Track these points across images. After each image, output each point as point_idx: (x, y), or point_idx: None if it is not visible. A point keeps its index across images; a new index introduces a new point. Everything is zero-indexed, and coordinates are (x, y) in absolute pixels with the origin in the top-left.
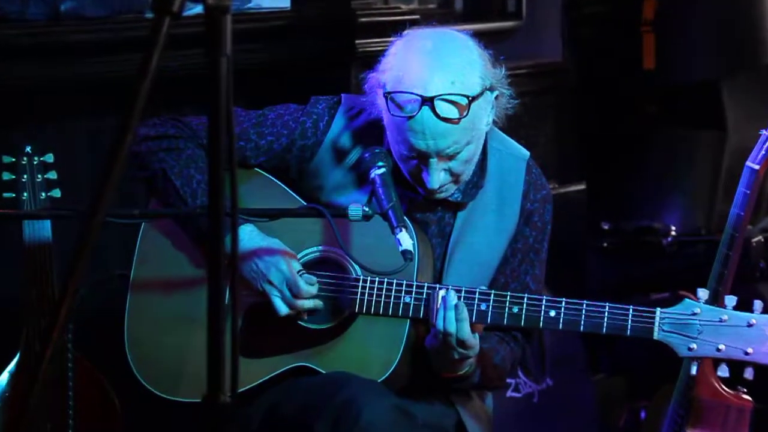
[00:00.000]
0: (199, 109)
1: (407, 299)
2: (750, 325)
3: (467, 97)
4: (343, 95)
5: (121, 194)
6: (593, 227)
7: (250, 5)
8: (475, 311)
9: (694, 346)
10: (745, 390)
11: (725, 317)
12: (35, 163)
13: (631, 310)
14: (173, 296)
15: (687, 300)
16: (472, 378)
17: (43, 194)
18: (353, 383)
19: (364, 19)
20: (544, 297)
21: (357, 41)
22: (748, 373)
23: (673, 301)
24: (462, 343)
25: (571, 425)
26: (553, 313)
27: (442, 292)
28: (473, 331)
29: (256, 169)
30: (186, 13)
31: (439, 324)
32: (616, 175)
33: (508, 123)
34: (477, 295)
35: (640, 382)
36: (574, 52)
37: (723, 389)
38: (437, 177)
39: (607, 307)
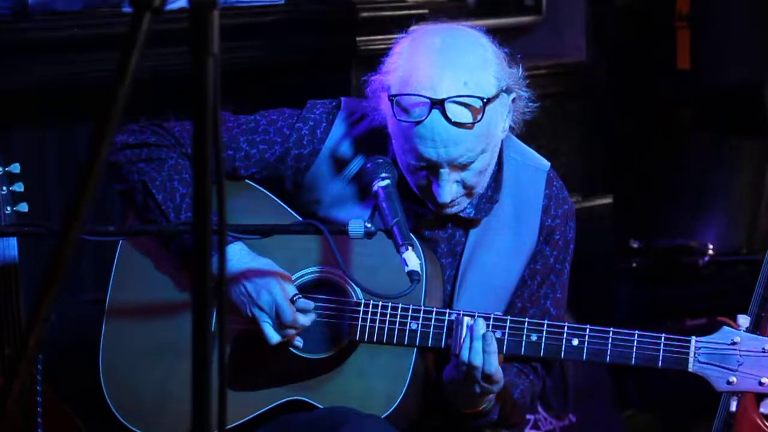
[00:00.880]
0: (184, 114)
1: (413, 326)
2: None
3: (481, 99)
4: (342, 99)
5: (96, 209)
6: (621, 246)
7: None
8: None
9: (734, 379)
10: None
11: None
12: (0, 173)
13: (663, 339)
14: (153, 323)
15: (725, 327)
16: (491, 415)
17: (9, 208)
18: (354, 419)
19: (366, 14)
20: (566, 324)
21: (358, 39)
22: None
23: (710, 329)
24: (488, 378)
25: None
26: (576, 342)
27: (468, 320)
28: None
29: (246, 180)
30: (168, 8)
31: (464, 355)
32: (646, 187)
33: (527, 129)
34: (491, 322)
35: (673, 419)
36: (599, 51)
37: (767, 427)
38: (449, 190)
39: (636, 336)
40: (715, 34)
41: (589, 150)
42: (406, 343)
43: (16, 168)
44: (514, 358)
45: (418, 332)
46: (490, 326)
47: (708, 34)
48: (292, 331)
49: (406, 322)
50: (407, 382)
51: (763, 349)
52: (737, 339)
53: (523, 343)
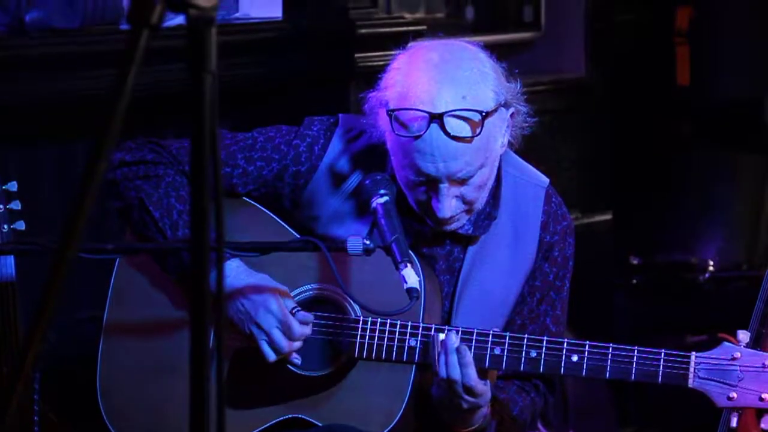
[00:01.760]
0: (181, 131)
1: (412, 342)
2: None
3: (480, 112)
4: (340, 115)
5: (93, 227)
6: (621, 262)
7: (237, 15)
8: (488, 356)
9: (734, 395)
10: None
11: None
12: None
13: (662, 355)
14: (150, 341)
15: (725, 343)
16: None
17: (6, 227)
18: None
19: (363, 31)
20: (566, 340)
21: (356, 55)
22: None
23: (711, 345)
24: (469, 391)
25: None
26: (575, 358)
27: (441, 336)
28: (485, 377)
29: (244, 198)
30: (166, 25)
31: (442, 371)
32: (646, 203)
33: (526, 145)
34: (491, 338)
35: None
36: (599, 67)
37: None
38: (448, 205)
39: (635, 352)
40: (715, 49)
41: (588, 166)
42: (405, 359)
43: (13, 186)
44: (515, 376)
45: (417, 349)
46: (489, 343)
47: (707, 50)
48: (295, 345)
49: (405, 339)
50: (406, 399)
51: (764, 364)
52: (737, 354)
53: (523, 359)
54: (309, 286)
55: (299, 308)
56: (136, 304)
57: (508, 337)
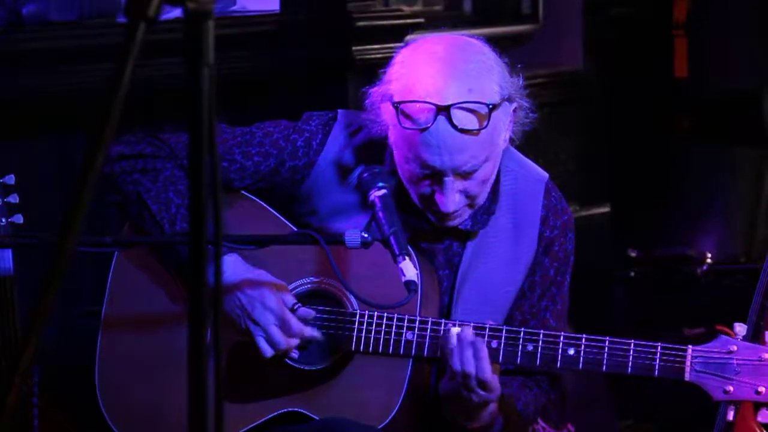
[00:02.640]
0: (179, 124)
1: (409, 336)
2: None
3: (487, 105)
4: (339, 111)
5: (91, 220)
6: (619, 255)
7: (234, 8)
8: None
9: (731, 388)
10: None
11: (766, 356)
12: None
13: (659, 348)
14: (149, 334)
15: (722, 336)
16: (494, 428)
17: (3, 220)
18: (350, 430)
19: (361, 24)
20: (562, 334)
21: (354, 48)
22: None
23: (708, 338)
24: (483, 385)
25: None
26: (572, 352)
27: (455, 329)
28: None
29: (242, 192)
30: (163, 18)
31: (456, 365)
32: (644, 196)
33: (524, 138)
34: (487, 332)
35: (672, 428)
36: (596, 59)
37: None
38: (453, 199)
39: (632, 345)
40: (713, 42)
41: (586, 159)
42: (402, 353)
43: (10, 179)
44: (514, 371)
45: (414, 342)
46: (486, 336)
47: (705, 43)
48: (292, 342)
49: (402, 333)
50: (403, 392)
51: (760, 357)
52: (734, 348)
53: (519, 352)
54: (306, 280)
55: (300, 304)
56: (134, 298)
57: (504, 331)
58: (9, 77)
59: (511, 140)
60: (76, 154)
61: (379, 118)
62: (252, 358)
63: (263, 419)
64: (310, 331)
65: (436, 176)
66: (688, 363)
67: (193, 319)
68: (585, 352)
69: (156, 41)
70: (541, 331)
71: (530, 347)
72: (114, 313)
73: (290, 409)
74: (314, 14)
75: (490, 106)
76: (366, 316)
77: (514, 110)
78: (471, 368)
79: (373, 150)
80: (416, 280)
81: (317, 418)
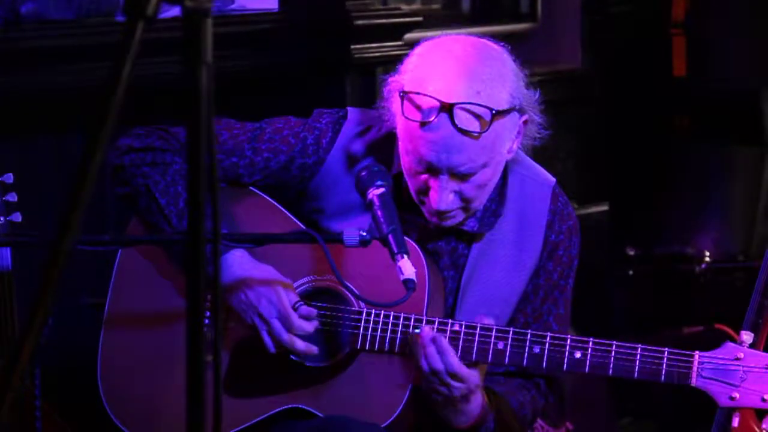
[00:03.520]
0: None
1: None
2: None
3: (491, 110)
4: (349, 109)
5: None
6: (617, 253)
7: (233, 7)
8: (491, 350)
9: (737, 395)
10: None
11: None
12: None
13: (666, 354)
14: (152, 330)
15: (729, 343)
16: (487, 424)
17: (2, 218)
18: (354, 429)
19: (360, 22)
20: (569, 337)
21: (352, 46)
22: None
23: (707, 336)
24: (455, 376)
25: None
26: (578, 355)
27: (417, 332)
28: (475, 367)
29: (250, 188)
30: (161, 16)
31: (424, 365)
32: (643, 195)
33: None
34: (494, 333)
35: (671, 427)
36: (595, 58)
37: None
38: (444, 197)
39: (639, 350)
40: (711, 40)
41: (584, 157)
42: (407, 352)
43: (9, 178)
44: (516, 374)
45: None
46: (493, 337)
47: (704, 41)
48: (291, 340)
49: (408, 331)
50: (408, 391)
51: (767, 365)
52: (741, 355)
53: (526, 354)
54: (313, 277)
55: (302, 302)
56: (138, 292)
57: (511, 332)
58: (8, 76)
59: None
60: (74, 152)
61: (391, 108)
62: (257, 354)
63: (267, 415)
64: (311, 327)
65: (432, 172)
66: (694, 369)
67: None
68: (592, 355)
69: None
70: (548, 334)
71: (537, 349)
72: (117, 308)
73: (294, 406)
74: (313, 13)
75: (495, 112)
76: (372, 315)
77: (525, 122)
78: (438, 364)
79: (382, 149)
80: (414, 278)
81: (321, 415)
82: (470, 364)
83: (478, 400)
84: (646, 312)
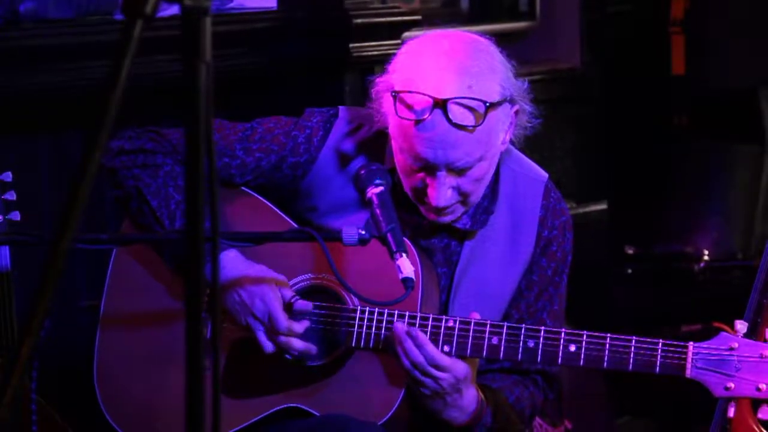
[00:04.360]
0: (176, 122)
1: None
2: None
3: (484, 102)
4: (340, 107)
5: (89, 216)
6: (616, 252)
7: (231, 5)
8: (486, 345)
9: (732, 385)
10: None
11: (766, 353)
12: None
13: (660, 345)
14: (148, 330)
15: (723, 333)
16: (484, 419)
17: (1, 217)
18: (351, 427)
19: (359, 21)
20: (563, 330)
21: (351, 45)
22: None
23: (706, 334)
24: (438, 367)
25: None
26: (573, 348)
27: (388, 330)
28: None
29: (242, 188)
30: (160, 15)
31: (405, 361)
32: (641, 193)
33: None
34: (488, 328)
35: (670, 424)
36: (594, 57)
37: None
38: (444, 193)
39: (633, 341)
40: (710, 39)
41: (583, 156)
42: (389, 353)
43: (8, 177)
44: (509, 369)
45: None
46: (487, 332)
47: (703, 40)
48: (287, 340)
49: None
50: (404, 388)
51: (761, 354)
52: (735, 345)
53: (521, 349)
54: (306, 276)
55: (297, 297)
56: (133, 293)
57: (505, 327)
58: (6, 74)
59: (512, 142)
60: (73, 151)
61: (381, 108)
62: (252, 354)
63: (263, 415)
64: (299, 327)
65: (429, 169)
66: (689, 360)
67: (190, 316)
68: (586, 348)
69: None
70: (543, 328)
71: (531, 343)
72: (113, 308)
73: (290, 405)
74: (312, 11)
75: (488, 104)
76: (366, 312)
77: (516, 113)
78: (418, 357)
79: (373, 147)
80: (413, 277)
81: (317, 414)
82: (461, 359)
83: (471, 394)
84: (644, 310)
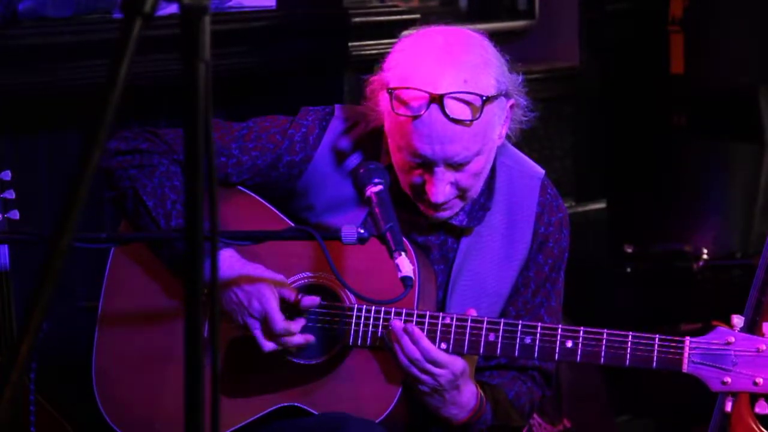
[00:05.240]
0: (175, 120)
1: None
2: None
3: (481, 96)
4: (336, 106)
5: (88, 215)
6: (615, 251)
7: (230, 4)
8: (483, 342)
9: (729, 379)
10: None
11: (763, 347)
12: None
13: (657, 340)
14: (146, 330)
15: (720, 327)
16: (484, 416)
17: (0, 216)
18: (350, 425)
19: (358, 19)
20: (560, 326)
21: (350, 44)
22: None
23: (704, 332)
24: (435, 363)
25: None
26: (570, 344)
27: (385, 328)
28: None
29: (238, 187)
30: (159, 14)
31: (402, 358)
32: (640, 192)
33: (521, 134)
34: (485, 325)
35: (669, 423)
36: (593, 55)
37: (760, 430)
38: (442, 190)
39: (630, 337)
40: (709, 38)
41: (582, 154)
42: (387, 351)
43: (7, 175)
44: (507, 366)
45: None
46: (484, 329)
47: (702, 38)
48: (285, 339)
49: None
50: (401, 386)
51: (758, 349)
52: (731, 339)
53: (517, 345)
54: (304, 275)
55: (303, 294)
56: (131, 293)
57: (502, 324)
58: (5, 73)
59: (508, 137)
60: (72, 149)
61: (377, 107)
62: (249, 353)
63: (261, 414)
64: (296, 326)
65: (427, 166)
66: (685, 354)
67: (189, 315)
68: (583, 344)
69: (152, 37)
70: (539, 324)
71: (528, 340)
72: (111, 308)
73: (288, 404)
74: (310, 10)
75: (484, 98)
76: (363, 310)
77: (511, 106)
78: (415, 353)
79: (369, 145)
80: (412, 275)
81: (315, 412)
82: (459, 356)
83: (470, 390)
84: (643, 309)
